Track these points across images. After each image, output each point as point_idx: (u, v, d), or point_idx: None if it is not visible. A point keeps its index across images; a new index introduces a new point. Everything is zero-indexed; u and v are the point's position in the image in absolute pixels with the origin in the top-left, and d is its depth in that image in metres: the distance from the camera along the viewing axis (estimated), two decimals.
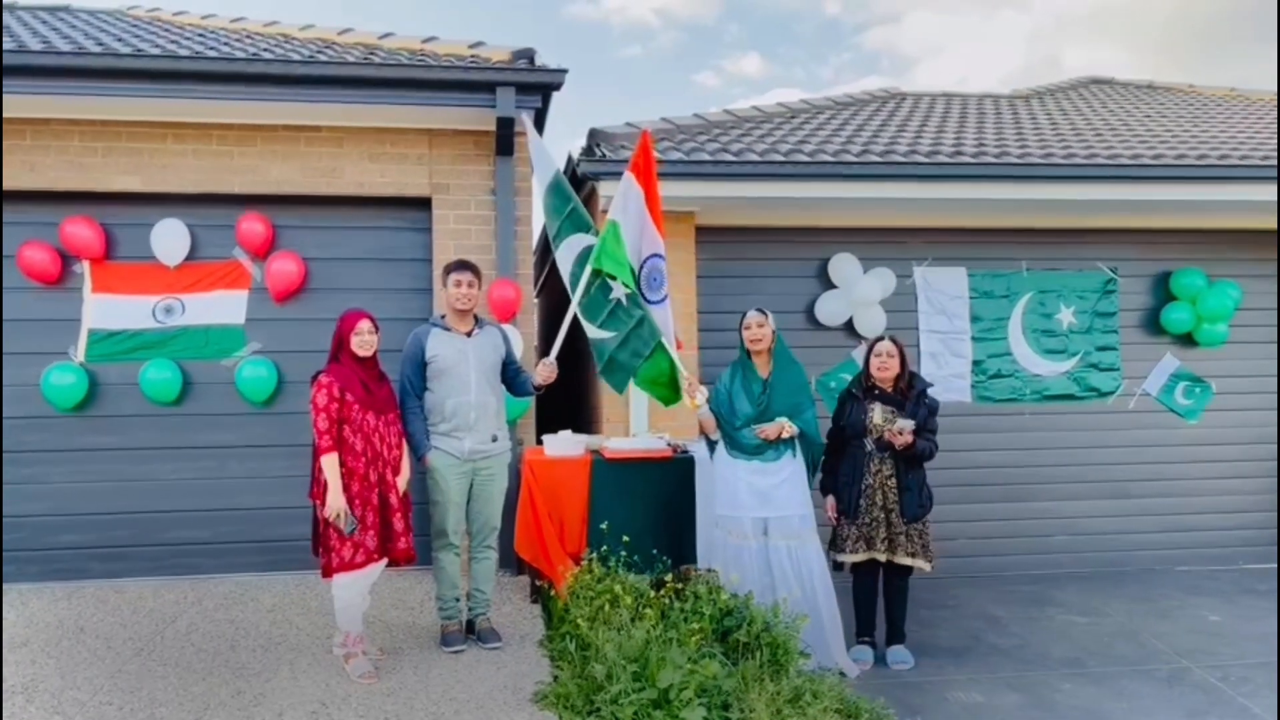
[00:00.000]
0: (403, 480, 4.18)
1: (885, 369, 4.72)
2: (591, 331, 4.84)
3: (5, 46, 5.09)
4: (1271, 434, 7.07)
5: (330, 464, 3.88)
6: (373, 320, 4.12)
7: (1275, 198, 6.25)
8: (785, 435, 4.58)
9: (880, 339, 4.84)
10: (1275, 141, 6.89)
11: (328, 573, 3.98)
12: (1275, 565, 6.85)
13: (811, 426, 4.68)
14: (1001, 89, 10.00)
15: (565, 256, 4.89)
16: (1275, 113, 8.42)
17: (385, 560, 4.09)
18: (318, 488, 3.97)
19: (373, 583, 4.10)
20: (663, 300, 4.75)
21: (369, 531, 3.96)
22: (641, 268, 4.77)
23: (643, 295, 4.74)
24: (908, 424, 4.55)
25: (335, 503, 3.86)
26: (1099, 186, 6.23)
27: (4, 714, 3.67)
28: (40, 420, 5.61)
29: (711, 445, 4.84)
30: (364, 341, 4.06)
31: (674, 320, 4.86)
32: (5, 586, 5.40)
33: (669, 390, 4.84)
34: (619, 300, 4.73)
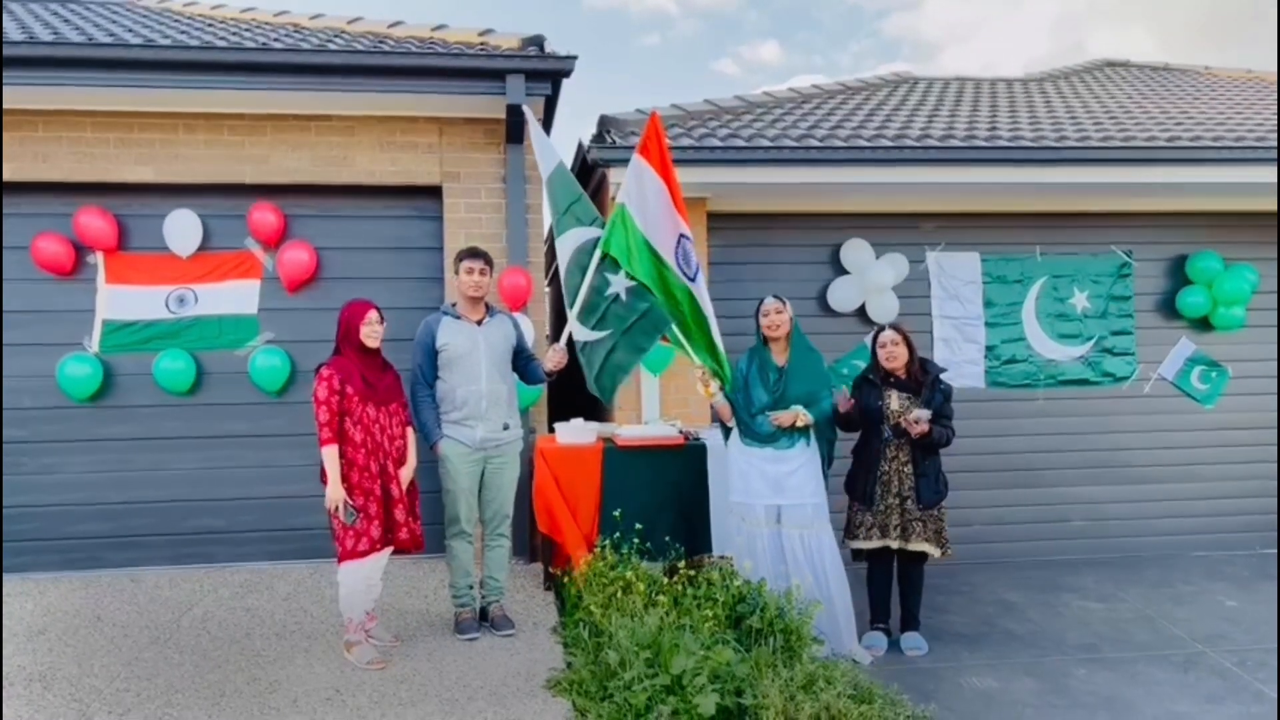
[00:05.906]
0: (407, 471, 4.20)
1: (892, 358, 4.67)
2: (583, 334, 4.64)
3: (16, 37, 5.10)
4: None
5: (329, 456, 3.93)
6: (378, 310, 4.15)
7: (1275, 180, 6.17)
8: (800, 424, 4.55)
9: (882, 329, 4.79)
10: None
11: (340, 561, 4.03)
12: (1276, 551, 6.81)
13: (827, 417, 4.64)
14: (1017, 74, 9.87)
15: (562, 251, 4.76)
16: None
17: (389, 549, 4.13)
18: (323, 479, 4.01)
19: (381, 571, 4.13)
20: (695, 277, 4.48)
21: (372, 521, 4.00)
22: (677, 248, 4.50)
23: (684, 273, 4.46)
24: (924, 413, 4.51)
25: (334, 494, 3.92)
26: (1112, 169, 6.16)
27: (23, 702, 3.70)
28: (56, 411, 5.64)
29: (727, 432, 4.82)
30: (373, 331, 4.09)
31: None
32: (23, 576, 5.47)
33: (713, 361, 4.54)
34: (618, 295, 4.58)
